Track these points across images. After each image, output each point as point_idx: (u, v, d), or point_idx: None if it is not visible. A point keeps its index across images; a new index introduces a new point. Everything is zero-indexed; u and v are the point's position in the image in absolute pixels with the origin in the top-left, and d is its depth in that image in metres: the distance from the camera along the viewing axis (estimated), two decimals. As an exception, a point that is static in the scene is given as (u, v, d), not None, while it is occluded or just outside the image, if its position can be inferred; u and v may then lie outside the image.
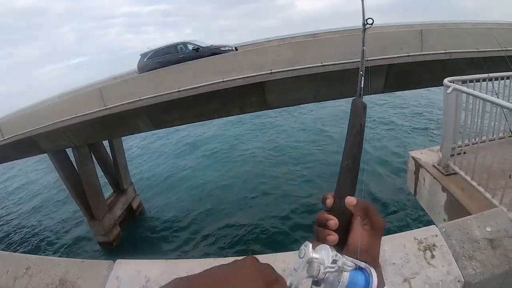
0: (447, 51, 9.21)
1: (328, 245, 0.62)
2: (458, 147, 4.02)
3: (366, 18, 0.86)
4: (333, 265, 0.58)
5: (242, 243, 12.46)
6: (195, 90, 10.02)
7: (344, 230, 0.68)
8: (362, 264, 0.61)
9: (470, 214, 3.37)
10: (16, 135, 11.90)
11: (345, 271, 0.58)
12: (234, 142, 23.14)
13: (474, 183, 3.57)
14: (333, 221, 0.66)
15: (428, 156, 4.66)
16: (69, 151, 13.28)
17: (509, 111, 3.03)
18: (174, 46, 14.35)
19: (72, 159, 13.42)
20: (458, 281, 1.69)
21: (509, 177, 3.04)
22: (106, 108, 10.68)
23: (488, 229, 1.94)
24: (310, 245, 0.59)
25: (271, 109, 11.92)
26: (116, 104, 10.62)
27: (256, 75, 9.52)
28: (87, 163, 13.53)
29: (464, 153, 3.91)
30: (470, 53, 9.07)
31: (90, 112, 10.82)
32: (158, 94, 10.24)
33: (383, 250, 1.74)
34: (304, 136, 21.73)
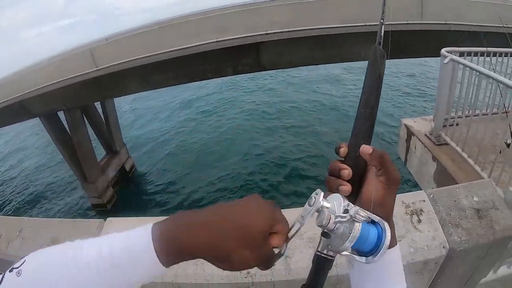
0: (446, 22, 8.99)
1: (340, 195, 0.60)
2: (451, 118, 4.01)
3: None
4: (345, 215, 0.55)
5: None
6: (189, 50, 9.77)
7: (358, 181, 0.66)
8: (376, 218, 0.59)
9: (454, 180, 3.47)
10: (5, 101, 11.59)
11: (357, 221, 0.55)
12: (227, 103, 22.89)
13: (465, 155, 3.60)
14: (347, 171, 0.63)
15: (420, 124, 4.66)
16: (61, 114, 13.03)
17: (504, 87, 2.99)
18: None
19: (64, 122, 13.19)
20: (443, 247, 1.73)
21: (500, 152, 3.05)
22: (97, 69, 10.41)
23: (476, 198, 1.96)
24: (322, 193, 0.57)
25: (265, 70, 11.75)
26: (107, 65, 10.34)
27: (251, 36, 9.29)
28: (80, 126, 13.35)
29: (457, 124, 3.91)
30: (470, 26, 8.87)
31: (81, 73, 10.54)
32: (151, 54, 9.98)
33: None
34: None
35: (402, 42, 9.16)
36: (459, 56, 3.65)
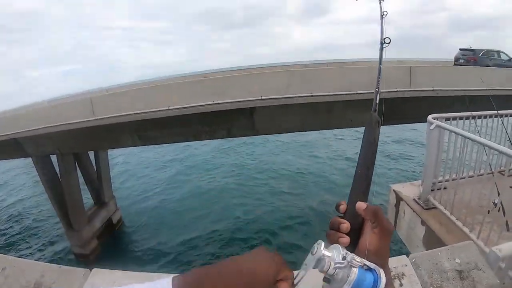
0: (434, 89, 9.55)
1: (339, 245, 0.66)
2: (439, 182, 4.11)
3: (383, 37, 0.91)
4: (343, 261, 0.61)
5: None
6: (186, 110, 10.00)
7: (355, 233, 0.72)
8: (372, 265, 0.63)
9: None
10: (0, 135, 11.55)
11: (353, 266, 0.61)
12: (221, 163, 23.07)
13: (453, 218, 3.64)
14: (345, 225, 0.71)
15: (409, 190, 4.74)
16: (54, 158, 12.96)
17: (488, 148, 3.14)
18: (491, 51, 16.35)
19: (56, 166, 13.07)
20: (426, 309, 1.70)
21: (488, 212, 3.10)
22: (95, 119, 10.54)
23: (458, 260, 1.97)
24: (323, 243, 0.63)
25: (258, 135, 11.98)
26: (105, 116, 10.49)
27: (247, 100, 9.62)
28: (71, 172, 13.20)
29: (445, 188, 3.99)
30: (457, 91, 9.43)
31: (79, 121, 10.64)
32: (148, 110, 10.17)
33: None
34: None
35: (395, 109, 9.61)
36: (445, 121, 3.84)
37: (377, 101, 0.89)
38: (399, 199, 4.75)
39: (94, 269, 2.26)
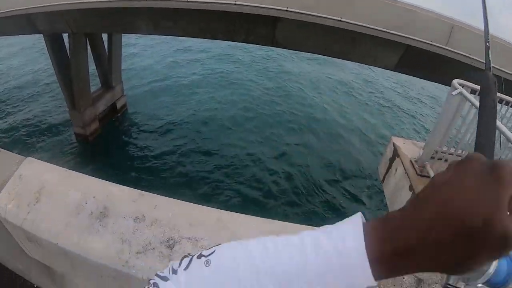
0: (470, 56, 8.42)
1: None
2: (442, 152, 3.70)
3: None
4: None
5: (219, 175, 12.39)
6: (205, 4, 9.23)
7: None
8: None
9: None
10: (13, 10, 10.92)
11: None
12: (236, 67, 21.91)
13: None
14: None
15: (409, 148, 4.35)
16: (66, 37, 12.43)
17: (505, 139, 2.65)
18: None
19: (67, 45, 12.58)
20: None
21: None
22: (111, 1, 9.81)
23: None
24: None
25: (277, 47, 11.18)
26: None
27: (271, 8, 8.69)
28: (81, 52, 12.69)
29: (446, 160, 3.60)
30: (494, 69, 8.33)
31: (93, 0, 9.96)
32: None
33: None
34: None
35: (420, 62, 8.72)
36: (471, 92, 3.25)
37: (490, 58, 0.78)
38: (395, 154, 4.39)
39: (28, 158, 2.21)
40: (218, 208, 1.93)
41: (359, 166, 13.39)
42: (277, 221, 1.87)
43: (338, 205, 11.24)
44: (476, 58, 8.22)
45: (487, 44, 0.76)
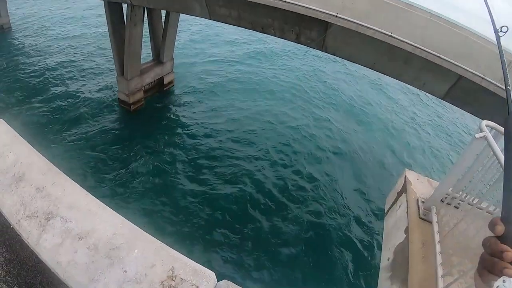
0: None
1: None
2: (454, 198, 3.05)
3: (501, 26, 0.84)
4: None
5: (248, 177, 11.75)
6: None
7: None
8: None
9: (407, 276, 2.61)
10: None
11: None
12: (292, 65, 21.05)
13: (438, 248, 2.70)
14: (510, 253, 0.63)
15: (421, 185, 3.72)
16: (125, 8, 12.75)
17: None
18: None
19: (125, 14, 12.90)
20: None
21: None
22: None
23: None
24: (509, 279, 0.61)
25: (326, 52, 10.57)
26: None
27: (320, 12, 8.14)
28: (137, 23, 13.00)
29: (456, 207, 2.96)
30: None
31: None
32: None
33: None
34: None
35: (470, 94, 7.72)
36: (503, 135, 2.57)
37: None
38: (404, 189, 3.78)
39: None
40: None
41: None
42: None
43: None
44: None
45: (508, 87, 0.77)
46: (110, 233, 1.77)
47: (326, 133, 14.69)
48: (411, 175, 3.90)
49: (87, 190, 2.06)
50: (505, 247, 0.63)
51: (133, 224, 1.86)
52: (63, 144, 11.48)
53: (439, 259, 2.55)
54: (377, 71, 10.28)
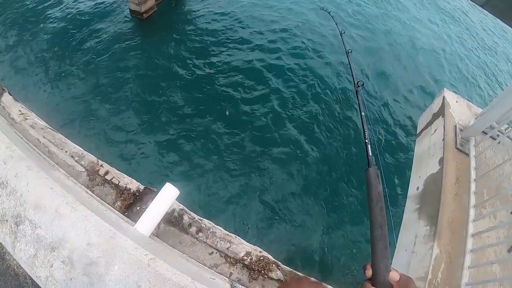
0: None
1: None
2: (499, 130, 2.76)
3: (357, 81, 0.89)
4: None
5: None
6: None
7: None
8: None
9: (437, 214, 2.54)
10: None
11: None
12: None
13: (472, 187, 2.55)
14: None
15: (460, 109, 3.38)
16: None
17: None
18: None
19: None
20: None
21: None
22: None
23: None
24: None
25: None
26: None
27: None
28: None
29: (499, 142, 2.69)
30: None
31: None
32: None
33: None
34: None
35: None
36: None
37: (370, 153, 0.84)
38: (442, 112, 3.45)
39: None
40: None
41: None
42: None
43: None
44: None
45: (366, 141, 0.82)
46: (83, 243, 1.41)
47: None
48: (450, 95, 3.52)
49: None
50: None
51: (110, 228, 1.46)
52: (77, 59, 10.96)
53: (472, 200, 2.43)
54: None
